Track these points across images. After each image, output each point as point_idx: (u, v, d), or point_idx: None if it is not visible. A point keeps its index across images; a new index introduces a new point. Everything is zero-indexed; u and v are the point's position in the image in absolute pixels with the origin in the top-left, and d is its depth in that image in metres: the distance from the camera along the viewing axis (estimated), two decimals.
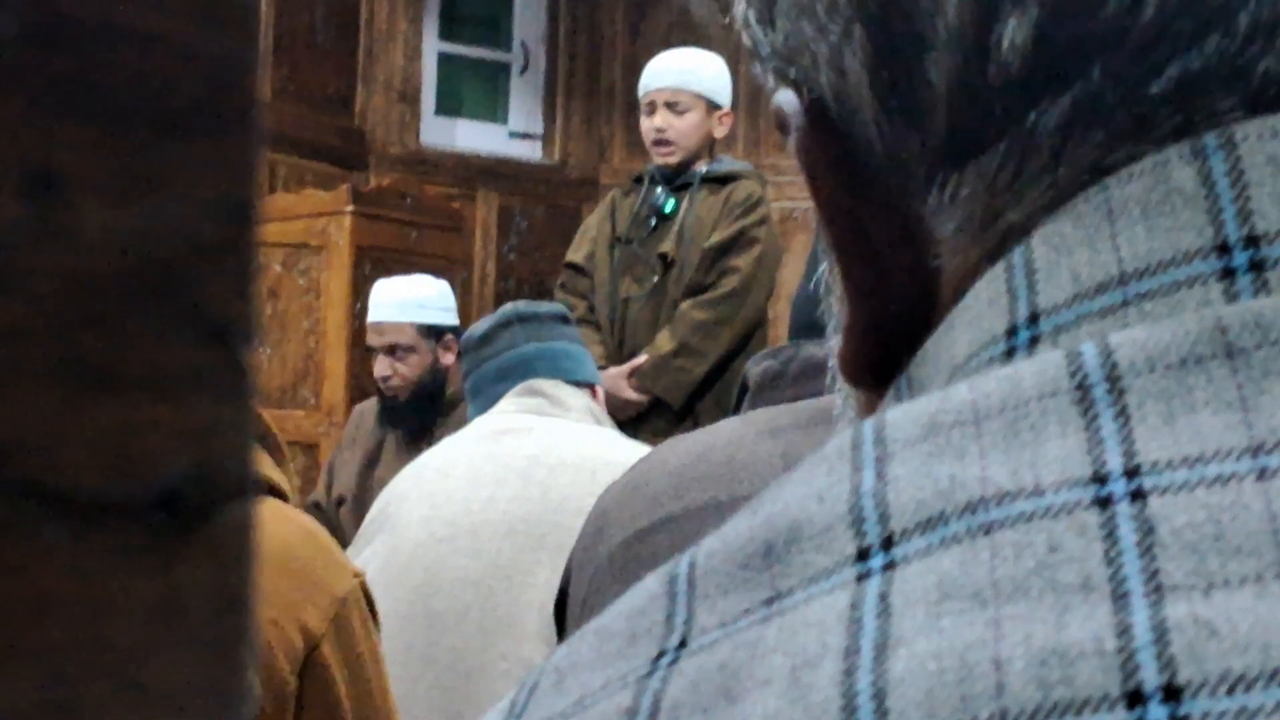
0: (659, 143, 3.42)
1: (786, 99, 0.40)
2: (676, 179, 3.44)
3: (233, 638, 0.14)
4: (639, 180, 3.56)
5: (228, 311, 0.14)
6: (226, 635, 0.13)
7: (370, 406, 3.58)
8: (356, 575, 1.39)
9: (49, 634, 0.13)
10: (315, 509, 3.48)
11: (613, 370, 3.34)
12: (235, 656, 0.14)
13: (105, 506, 0.13)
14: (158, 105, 0.14)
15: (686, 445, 1.06)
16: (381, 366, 3.42)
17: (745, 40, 0.41)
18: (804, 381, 1.06)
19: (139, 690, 0.13)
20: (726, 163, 3.54)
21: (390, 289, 3.46)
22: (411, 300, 3.43)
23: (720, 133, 3.47)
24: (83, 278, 0.13)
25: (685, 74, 3.42)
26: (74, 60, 0.13)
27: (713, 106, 3.42)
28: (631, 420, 3.30)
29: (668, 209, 3.43)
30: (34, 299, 0.13)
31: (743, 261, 3.35)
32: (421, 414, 3.41)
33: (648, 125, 3.44)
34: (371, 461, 3.48)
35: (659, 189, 3.46)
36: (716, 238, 3.36)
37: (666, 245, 3.40)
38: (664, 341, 3.34)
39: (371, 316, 3.47)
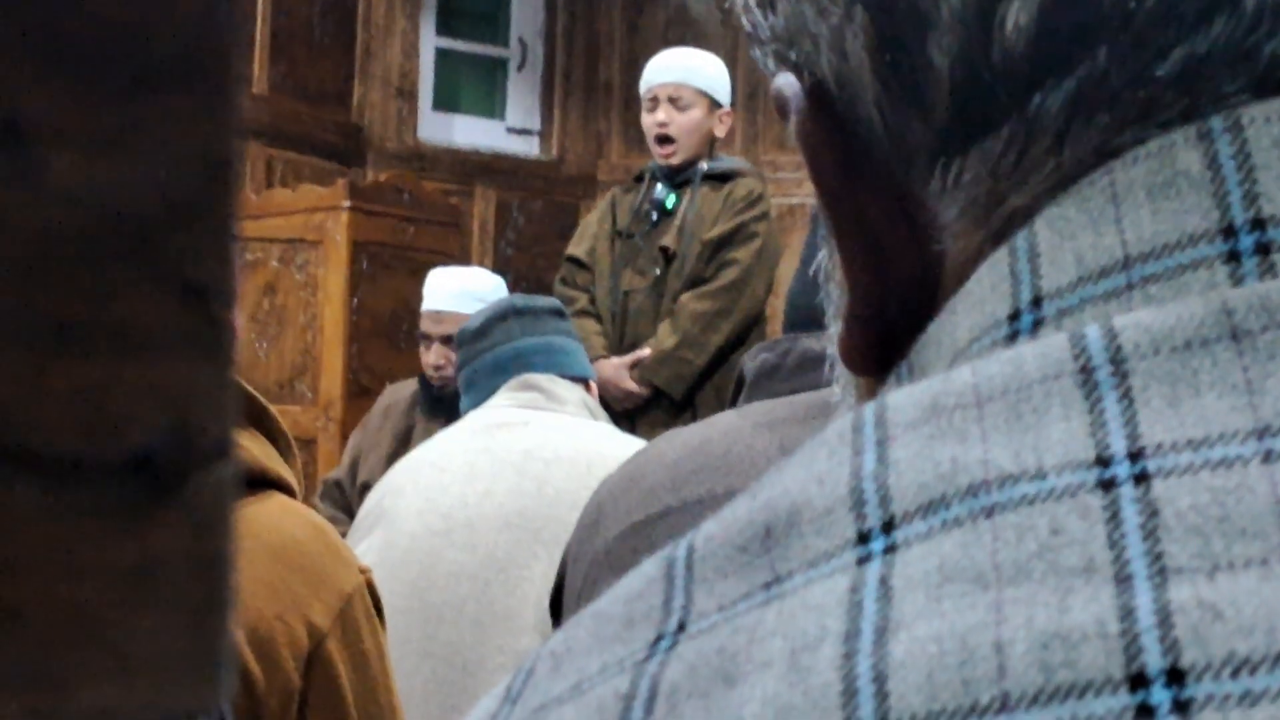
0: (661, 140, 3.42)
1: (787, 82, 0.39)
2: (677, 176, 3.44)
3: (210, 603, 0.13)
4: (639, 178, 3.56)
5: (205, 270, 0.13)
6: (204, 601, 0.13)
7: (403, 392, 3.47)
8: (363, 571, 1.38)
9: (20, 597, 0.12)
10: (336, 488, 3.40)
11: (614, 360, 3.34)
12: (213, 622, 0.13)
13: (78, 468, 0.13)
14: (133, 57, 0.13)
15: (683, 439, 1.06)
16: (436, 355, 3.33)
17: (745, 24, 0.41)
18: (801, 374, 1.06)
19: (114, 655, 0.12)
20: (727, 160, 3.54)
21: (451, 278, 3.37)
22: (472, 292, 3.34)
23: (721, 131, 3.47)
24: (53, 233, 0.12)
25: (689, 70, 3.42)
26: (44, 9, 0.13)
27: (714, 104, 3.43)
28: (630, 412, 3.30)
29: (669, 204, 3.44)
30: (2, 255, 0.12)
31: (742, 254, 3.35)
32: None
33: (649, 120, 3.44)
34: (402, 448, 3.39)
35: (660, 184, 3.46)
36: (716, 231, 3.36)
37: (667, 239, 3.40)
38: (665, 335, 3.34)
39: (429, 304, 3.37)
